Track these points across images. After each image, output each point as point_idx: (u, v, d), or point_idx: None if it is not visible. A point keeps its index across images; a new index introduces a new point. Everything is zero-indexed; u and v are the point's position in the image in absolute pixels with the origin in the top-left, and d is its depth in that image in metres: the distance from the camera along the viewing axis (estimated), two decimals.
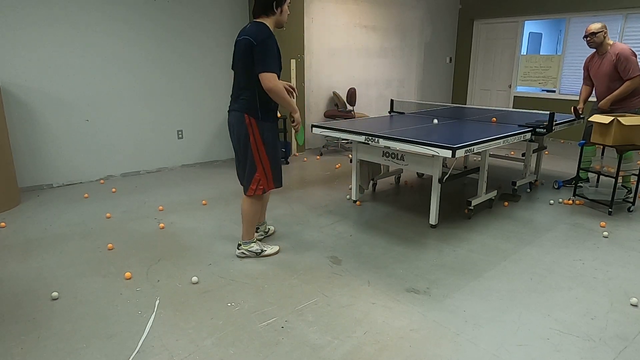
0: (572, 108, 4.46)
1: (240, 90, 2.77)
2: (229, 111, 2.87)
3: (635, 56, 3.95)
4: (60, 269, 2.83)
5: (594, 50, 4.21)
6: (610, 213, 3.83)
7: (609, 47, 4.07)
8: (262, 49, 2.61)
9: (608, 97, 4.07)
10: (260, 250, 3.03)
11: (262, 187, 2.86)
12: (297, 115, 2.85)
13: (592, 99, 4.53)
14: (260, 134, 2.77)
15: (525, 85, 7.95)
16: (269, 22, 2.72)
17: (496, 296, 2.52)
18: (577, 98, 7.19)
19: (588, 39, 4.10)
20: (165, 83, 5.20)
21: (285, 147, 5.67)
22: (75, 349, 2.05)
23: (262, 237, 3.32)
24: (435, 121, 4.22)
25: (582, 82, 4.50)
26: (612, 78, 4.07)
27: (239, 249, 3.03)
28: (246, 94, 2.74)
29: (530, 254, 3.06)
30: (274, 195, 4.39)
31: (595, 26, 4.05)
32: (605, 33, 4.06)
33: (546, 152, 6.45)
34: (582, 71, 4.44)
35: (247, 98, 2.74)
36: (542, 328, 2.22)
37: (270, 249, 3.07)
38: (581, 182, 4.40)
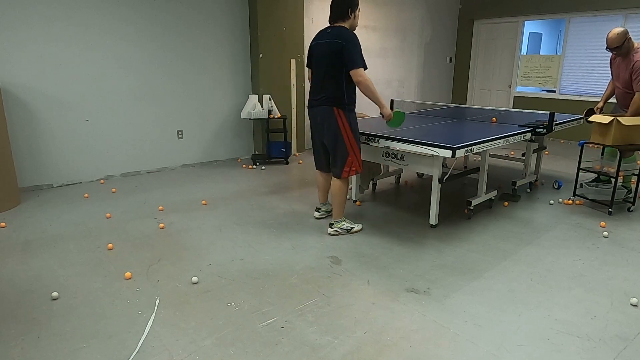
0: (587, 111, 4.22)
1: (326, 88, 3.19)
2: (313, 106, 3.29)
3: None
4: (60, 269, 2.83)
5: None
6: (610, 213, 3.83)
7: (633, 52, 3.74)
8: (351, 48, 3.08)
9: (626, 117, 3.71)
10: (350, 227, 3.42)
11: (354, 168, 3.30)
12: (385, 111, 3.32)
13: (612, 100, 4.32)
14: (349, 124, 3.22)
15: (525, 85, 7.95)
16: (346, 25, 3.18)
17: (496, 296, 2.52)
18: (577, 98, 7.21)
19: (614, 52, 3.79)
20: (165, 83, 5.20)
21: (285, 147, 5.67)
22: (75, 349, 2.05)
23: (325, 216, 3.75)
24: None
25: (609, 81, 4.22)
26: (628, 84, 3.85)
27: (331, 228, 3.38)
28: (336, 90, 3.17)
29: (530, 254, 3.06)
30: (274, 195, 4.39)
31: (615, 38, 3.68)
32: (628, 40, 3.71)
33: (546, 152, 6.45)
34: (609, 67, 4.14)
35: (335, 93, 3.18)
36: (542, 328, 2.22)
37: (357, 226, 3.46)
38: (628, 195, 4.05)
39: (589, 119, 3.96)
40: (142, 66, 4.99)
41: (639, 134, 3.72)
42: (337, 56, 3.11)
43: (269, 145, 5.67)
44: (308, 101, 3.38)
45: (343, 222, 3.40)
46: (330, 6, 3.20)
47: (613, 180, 3.85)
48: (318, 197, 3.75)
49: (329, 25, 3.25)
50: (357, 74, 3.10)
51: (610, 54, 4.25)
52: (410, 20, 7.65)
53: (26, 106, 4.36)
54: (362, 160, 3.42)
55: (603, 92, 4.25)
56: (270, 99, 5.64)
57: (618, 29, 3.72)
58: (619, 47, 3.72)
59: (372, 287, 2.61)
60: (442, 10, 8.18)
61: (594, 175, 4.54)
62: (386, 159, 3.70)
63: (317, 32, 3.30)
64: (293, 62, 5.99)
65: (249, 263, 2.92)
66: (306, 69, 3.45)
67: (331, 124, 3.21)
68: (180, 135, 5.47)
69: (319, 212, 3.74)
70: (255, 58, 5.74)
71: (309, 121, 3.63)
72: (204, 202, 4.12)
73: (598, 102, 4.37)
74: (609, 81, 4.26)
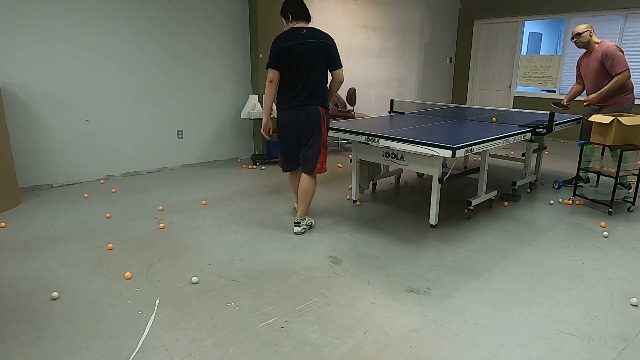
0: (553, 104, 4.63)
1: (311, 88, 3.22)
2: (299, 106, 3.24)
3: (622, 52, 4.04)
4: (60, 269, 2.83)
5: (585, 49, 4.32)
6: (610, 213, 3.83)
7: (597, 46, 4.16)
8: (335, 48, 3.24)
9: (598, 92, 4.14)
10: (311, 222, 3.52)
11: (324, 166, 3.38)
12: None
13: (580, 98, 4.66)
14: (327, 123, 3.35)
15: (525, 85, 7.95)
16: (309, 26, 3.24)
17: (496, 296, 2.52)
18: (576, 98, 7.19)
19: (574, 39, 4.23)
20: (165, 83, 5.20)
21: None
22: (75, 349, 2.05)
23: (305, 230, 3.66)
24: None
25: (575, 82, 4.58)
26: (599, 75, 4.15)
27: (299, 226, 3.39)
28: (321, 90, 3.26)
29: (530, 254, 3.06)
30: (274, 195, 4.39)
31: (580, 27, 4.18)
32: (590, 32, 4.17)
33: (546, 152, 6.45)
34: (575, 70, 4.54)
35: (322, 93, 3.28)
36: (542, 328, 2.22)
37: (313, 221, 3.56)
38: (581, 182, 4.41)
39: (589, 119, 3.98)
40: (143, 66, 4.99)
41: (639, 134, 3.72)
42: (323, 56, 3.18)
43: (269, 145, 5.67)
44: (283, 101, 3.29)
45: (307, 219, 3.48)
46: (295, 6, 3.19)
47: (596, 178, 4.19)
48: (297, 203, 3.63)
49: (297, 26, 3.19)
50: (341, 73, 3.26)
51: (576, 59, 4.76)
52: (410, 20, 7.65)
53: (26, 106, 4.36)
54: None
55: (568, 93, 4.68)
56: None
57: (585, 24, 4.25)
58: (580, 34, 4.17)
59: (372, 287, 2.61)
60: (442, 10, 8.18)
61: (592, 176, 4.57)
62: (386, 159, 3.70)
63: (283, 33, 3.20)
64: None
65: (249, 263, 2.92)
66: (272, 71, 3.18)
67: (316, 123, 3.27)
68: (180, 135, 5.47)
69: (299, 226, 3.46)
70: (255, 58, 5.74)
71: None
72: (204, 202, 4.12)
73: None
74: (573, 84, 4.64)
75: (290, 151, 3.42)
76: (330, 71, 3.27)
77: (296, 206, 3.70)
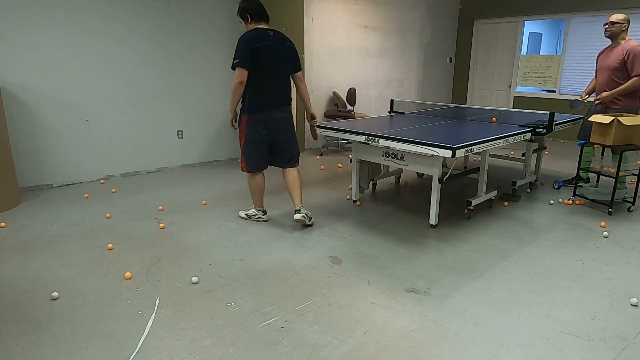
0: (570, 106, 4.50)
1: (286, 88, 3.39)
2: (279, 106, 3.37)
3: None
4: (60, 269, 2.83)
5: (609, 44, 4.19)
6: (610, 213, 3.83)
7: (622, 42, 4.04)
8: (297, 52, 3.39)
9: (612, 92, 4.05)
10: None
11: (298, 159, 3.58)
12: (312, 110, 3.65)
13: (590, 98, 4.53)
14: (294, 120, 3.57)
15: (525, 85, 7.95)
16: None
17: (496, 296, 2.52)
18: (576, 98, 7.19)
19: (607, 26, 4.08)
20: (165, 83, 5.20)
21: None
22: (75, 349, 2.05)
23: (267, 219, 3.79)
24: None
25: (593, 77, 4.46)
26: (615, 71, 4.04)
27: (300, 213, 3.42)
28: (289, 90, 3.42)
29: (530, 254, 3.06)
30: (274, 195, 4.39)
31: (618, 16, 4.02)
32: (625, 26, 4.03)
33: (546, 152, 6.45)
34: (595, 64, 4.40)
35: (289, 93, 3.43)
36: (542, 328, 2.22)
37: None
38: (581, 182, 4.40)
39: (589, 119, 3.97)
40: (143, 66, 4.99)
41: (639, 134, 3.72)
42: (290, 58, 3.34)
43: None
44: (260, 103, 3.28)
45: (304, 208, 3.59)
46: (254, 7, 3.23)
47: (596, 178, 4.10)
48: (261, 203, 3.63)
49: (262, 27, 3.24)
50: (301, 75, 3.48)
51: (583, 60, 4.83)
52: (410, 20, 7.65)
53: (26, 106, 4.36)
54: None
55: (586, 87, 4.59)
56: None
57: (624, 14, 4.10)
58: (614, 24, 4.03)
59: (372, 287, 2.61)
60: (442, 10, 8.18)
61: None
62: (386, 159, 3.70)
63: (249, 33, 3.18)
64: None
65: (249, 263, 2.92)
66: (243, 70, 3.15)
67: (290, 122, 3.48)
68: (180, 135, 5.47)
69: (300, 213, 3.53)
70: None
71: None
72: (204, 202, 4.12)
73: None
74: (592, 78, 4.54)
75: (264, 151, 3.46)
76: (295, 73, 3.41)
77: (261, 213, 3.67)
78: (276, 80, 3.30)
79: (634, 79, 3.93)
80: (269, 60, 3.21)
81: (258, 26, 3.23)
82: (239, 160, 3.55)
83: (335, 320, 2.28)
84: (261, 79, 3.23)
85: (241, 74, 3.16)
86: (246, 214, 3.71)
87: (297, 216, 3.41)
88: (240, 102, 3.35)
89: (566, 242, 3.27)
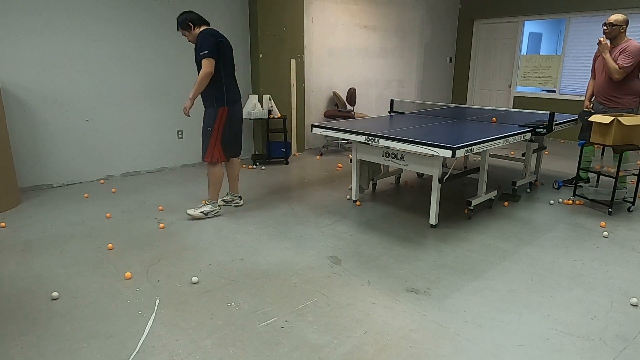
0: (586, 118, 4.27)
1: (236, 82, 3.62)
2: (238, 100, 3.65)
3: None
4: (60, 269, 2.83)
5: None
6: (610, 213, 3.83)
7: (622, 42, 3.99)
8: None
9: (627, 117, 3.79)
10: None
11: None
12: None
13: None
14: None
15: (525, 85, 7.95)
16: None
17: (496, 296, 2.52)
18: (577, 98, 7.19)
19: (605, 28, 4.02)
20: (165, 83, 5.20)
21: (285, 147, 5.67)
22: (75, 349, 2.05)
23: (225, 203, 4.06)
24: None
25: (590, 77, 4.44)
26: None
27: (241, 200, 4.01)
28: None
29: (530, 254, 3.06)
30: (274, 195, 4.39)
31: (617, 18, 3.96)
32: (624, 28, 3.97)
33: (546, 152, 6.45)
34: (591, 63, 4.37)
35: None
36: (542, 328, 2.22)
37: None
38: (581, 182, 4.40)
39: (590, 119, 3.96)
40: (143, 66, 4.99)
41: (639, 134, 3.72)
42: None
43: (268, 145, 5.67)
44: (234, 94, 3.59)
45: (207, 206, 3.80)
46: (192, 16, 3.51)
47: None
48: (218, 196, 3.86)
49: (209, 26, 3.53)
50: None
51: (583, 60, 4.70)
52: (410, 20, 7.65)
53: (26, 106, 4.36)
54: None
55: (585, 93, 4.51)
56: (270, 99, 5.64)
57: (623, 15, 4.03)
58: (613, 25, 3.98)
59: (372, 287, 2.61)
60: (442, 10, 8.18)
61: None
62: (386, 159, 3.70)
63: (209, 29, 3.45)
64: (293, 62, 5.99)
65: (249, 263, 2.92)
66: (212, 60, 3.34)
67: (241, 114, 3.78)
68: (180, 135, 5.47)
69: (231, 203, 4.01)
70: (255, 58, 5.74)
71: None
72: (204, 202, 4.11)
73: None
74: (588, 82, 4.50)
75: (238, 140, 3.79)
76: (232, 70, 3.61)
77: (228, 198, 4.01)
78: (234, 74, 3.58)
79: (617, 64, 3.90)
80: (229, 54, 3.50)
81: (203, 28, 3.48)
82: (208, 153, 3.61)
83: (335, 320, 2.28)
84: (227, 73, 3.49)
85: (210, 64, 3.33)
86: (202, 212, 3.69)
87: (236, 201, 3.94)
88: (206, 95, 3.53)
89: (566, 242, 3.27)
